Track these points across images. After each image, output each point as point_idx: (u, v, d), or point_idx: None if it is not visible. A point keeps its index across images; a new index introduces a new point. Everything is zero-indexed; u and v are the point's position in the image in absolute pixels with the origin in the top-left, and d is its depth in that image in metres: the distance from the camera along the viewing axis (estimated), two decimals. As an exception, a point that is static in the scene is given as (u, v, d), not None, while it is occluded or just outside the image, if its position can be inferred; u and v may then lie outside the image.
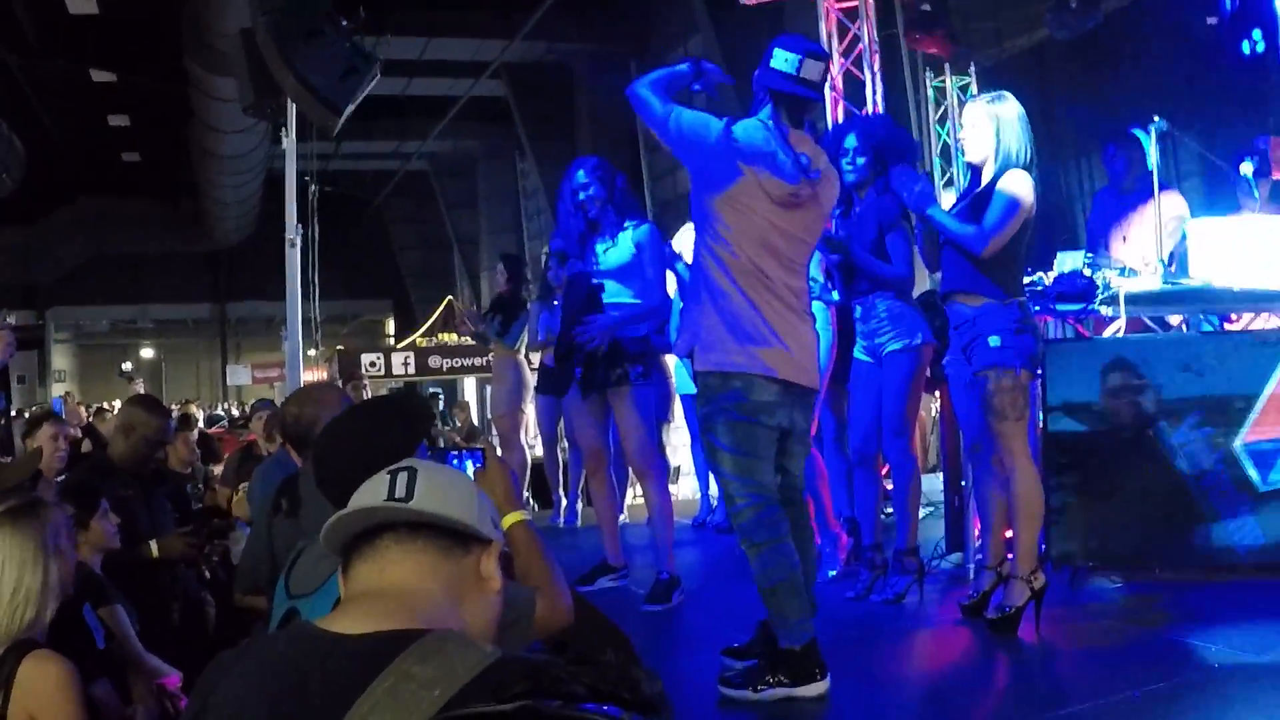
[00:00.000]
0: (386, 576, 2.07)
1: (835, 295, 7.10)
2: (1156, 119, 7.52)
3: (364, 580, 2.08)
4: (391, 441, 2.93)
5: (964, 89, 12.58)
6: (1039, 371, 6.34)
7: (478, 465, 3.35)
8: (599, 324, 6.83)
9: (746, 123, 5.01)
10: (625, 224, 7.00)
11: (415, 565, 2.08)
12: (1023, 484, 5.74)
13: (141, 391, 12.93)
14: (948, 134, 12.68)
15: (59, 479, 6.45)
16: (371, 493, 2.13)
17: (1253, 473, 6.56)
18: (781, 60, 5.03)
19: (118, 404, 17.74)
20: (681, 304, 6.08)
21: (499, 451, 10.94)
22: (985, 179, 5.94)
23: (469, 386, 29.19)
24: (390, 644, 1.86)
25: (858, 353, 6.81)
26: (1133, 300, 7.02)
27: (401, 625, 1.93)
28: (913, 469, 6.85)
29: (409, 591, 2.05)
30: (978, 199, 5.89)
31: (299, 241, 12.93)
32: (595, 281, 6.95)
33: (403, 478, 2.13)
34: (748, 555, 4.96)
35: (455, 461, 3.34)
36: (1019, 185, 5.79)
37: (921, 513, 9.31)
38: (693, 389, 8.89)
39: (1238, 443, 6.56)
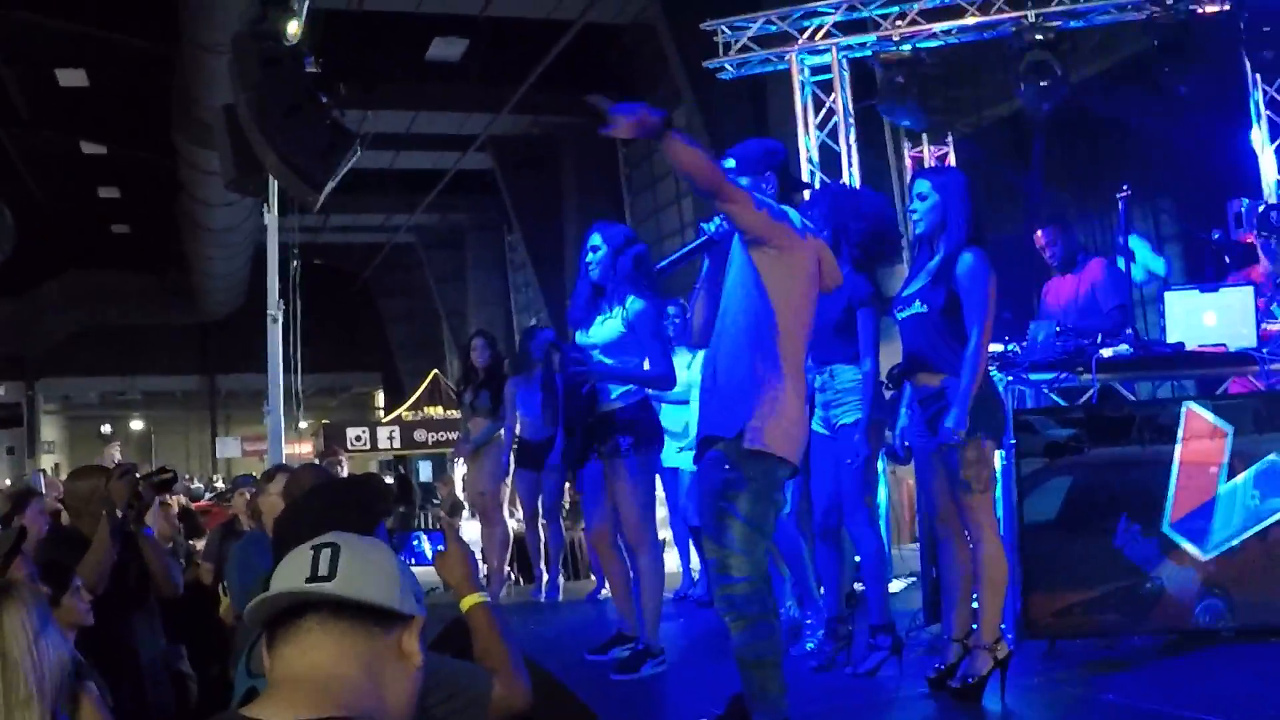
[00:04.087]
0: (309, 659, 2.07)
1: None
2: (1124, 188, 7.63)
3: (287, 663, 2.09)
4: (349, 524, 2.94)
5: (942, 159, 12.69)
6: (1011, 442, 6.38)
7: (438, 547, 3.37)
8: (595, 366, 6.83)
9: (788, 209, 5.17)
10: (626, 297, 7.00)
11: (337, 647, 2.08)
12: (988, 554, 5.75)
13: (118, 456, 12.88)
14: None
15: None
16: (295, 569, 2.14)
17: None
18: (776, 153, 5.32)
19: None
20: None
21: (479, 527, 10.96)
22: (936, 251, 5.99)
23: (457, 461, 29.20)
24: None
25: (815, 424, 6.76)
26: (1105, 367, 7.08)
27: (324, 713, 1.96)
28: (877, 543, 6.85)
29: (331, 676, 2.06)
30: (939, 274, 5.92)
31: (281, 317, 12.97)
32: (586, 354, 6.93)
33: (325, 555, 2.13)
34: (732, 628, 4.91)
35: (416, 544, 3.37)
36: (982, 269, 5.83)
37: (902, 584, 9.37)
38: (675, 462, 8.96)
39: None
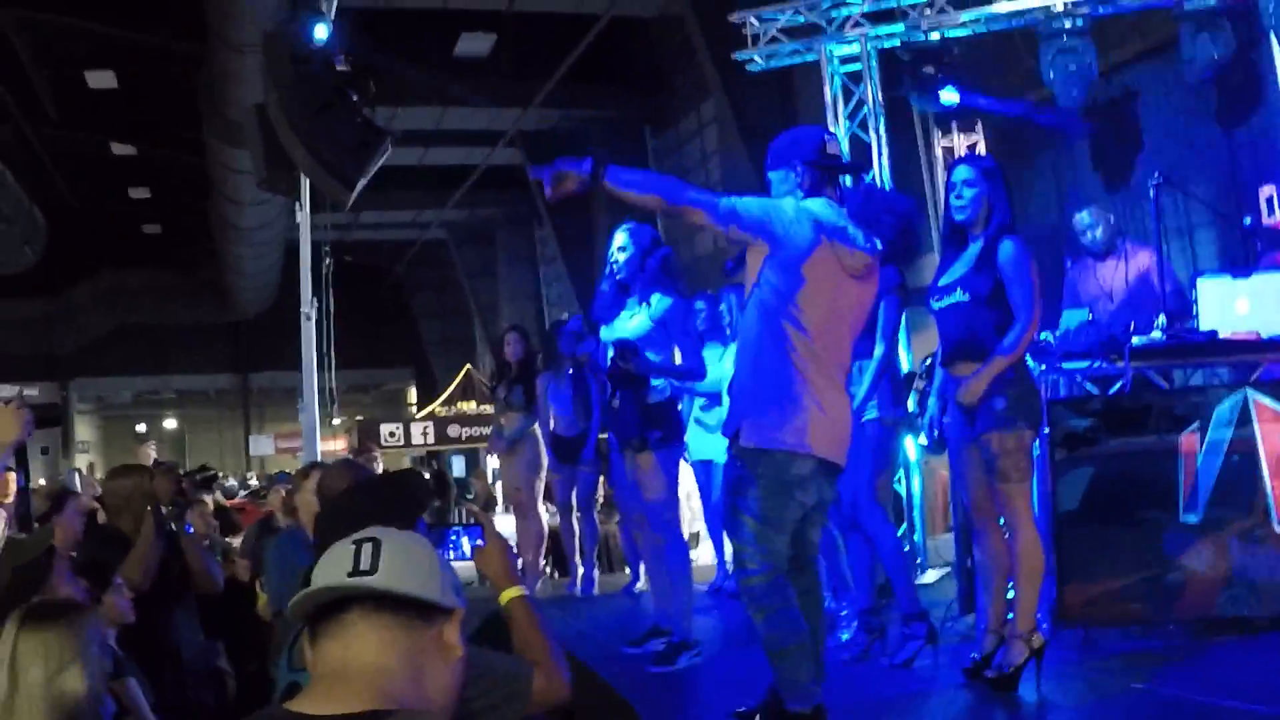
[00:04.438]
0: (352, 653, 2.10)
1: None
2: (1156, 175, 7.61)
3: (331, 658, 2.11)
4: (386, 519, 2.96)
5: (972, 147, 12.64)
6: (1044, 431, 6.38)
7: (476, 541, 3.39)
8: (643, 361, 6.88)
9: (814, 200, 5.09)
10: (652, 295, 7.03)
11: (380, 640, 2.11)
12: (1024, 544, 5.75)
13: (154, 455, 12.95)
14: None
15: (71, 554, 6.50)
16: (336, 564, 2.17)
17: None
18: (833, 144, 5.26)
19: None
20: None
21: (514, 523, 10.98)
22: (972, 240, 5.99)
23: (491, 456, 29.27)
24: None
25: None
26: (1138, 355, 7.06)
27: (368, 706, 1.99)
28: (893, 537, 6.89)
29: (374, 669, 2.08)
30: (981, 262, 5.91)
31: (315, 314, 13.01)
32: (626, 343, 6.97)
33: (367, 549, 2.15)
34: (755, 619, 4.96)
35: (455, 539, 3.38)
36: (1026, 256, 5.84)
37: (936, 574, 9.38)
38: (708, 455, 8.98)
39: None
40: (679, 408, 7.56)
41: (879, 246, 5.18)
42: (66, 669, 3.55)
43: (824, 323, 4.97)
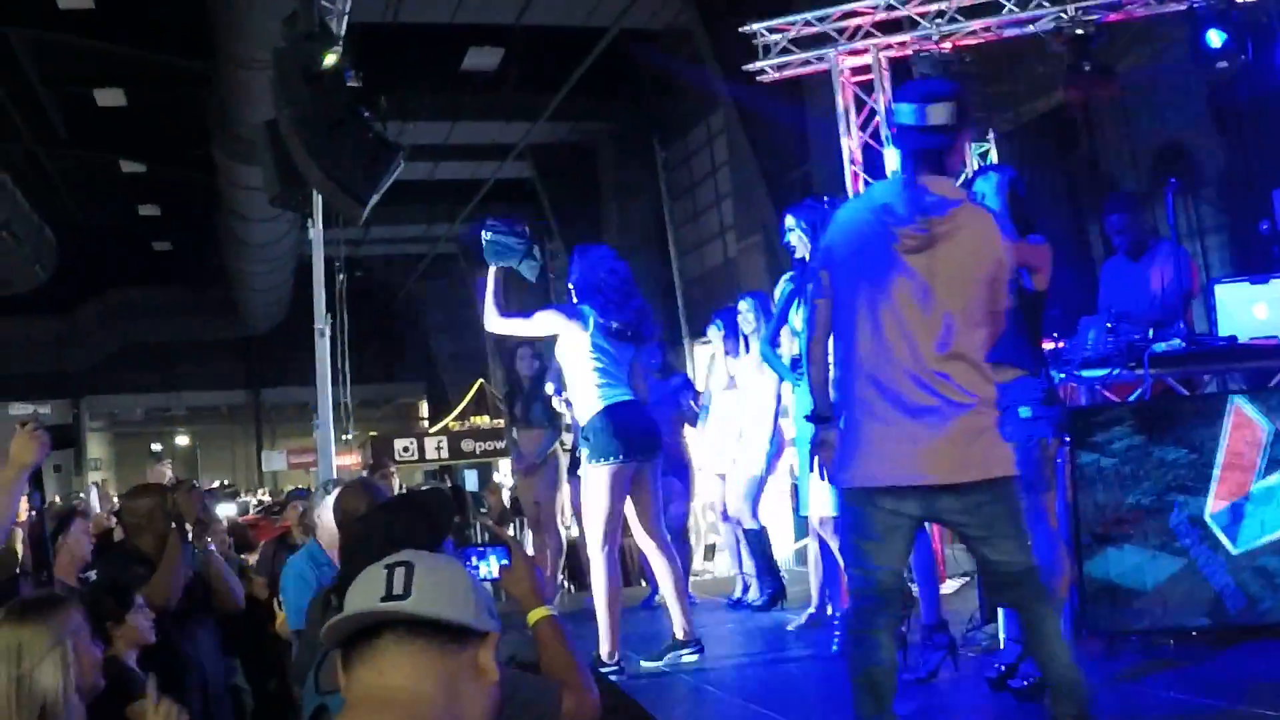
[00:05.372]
0: (386, 679, 2.08)
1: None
2: (1171, 180, 7.59)
3: (365, 683, 2.10)
4: (415, 541, 2.94)
5: (983, 155, 12.63)
6: (1066, 439, 6.35)
7: (503, 561, 3.37)
8: None
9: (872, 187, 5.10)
10: None
11: (414, 666, 2.09)
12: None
13: (168, 474, 12.94)
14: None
15: (88, 573, 6.50)
16: (369, 588, 2.14)
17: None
18: (906, 114, 4.96)
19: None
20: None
21: (531, 539, 10.97)
22: None
23: (504, 468, 29.30)
24: None
25: None
26: (1157, 362, 7.03)
27: None
28: (927, 541, 6.86)
29: (409, 694, 2.07)
30: None
31: (328, 331, 13.01)
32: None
33: (400, 574, 2.13)
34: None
35: (477, 558, 3.35)
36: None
37: (956, 584, 9.35)
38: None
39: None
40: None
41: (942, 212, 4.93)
42: (40, 664, 3.56)
43: (887, 309, 4.71)
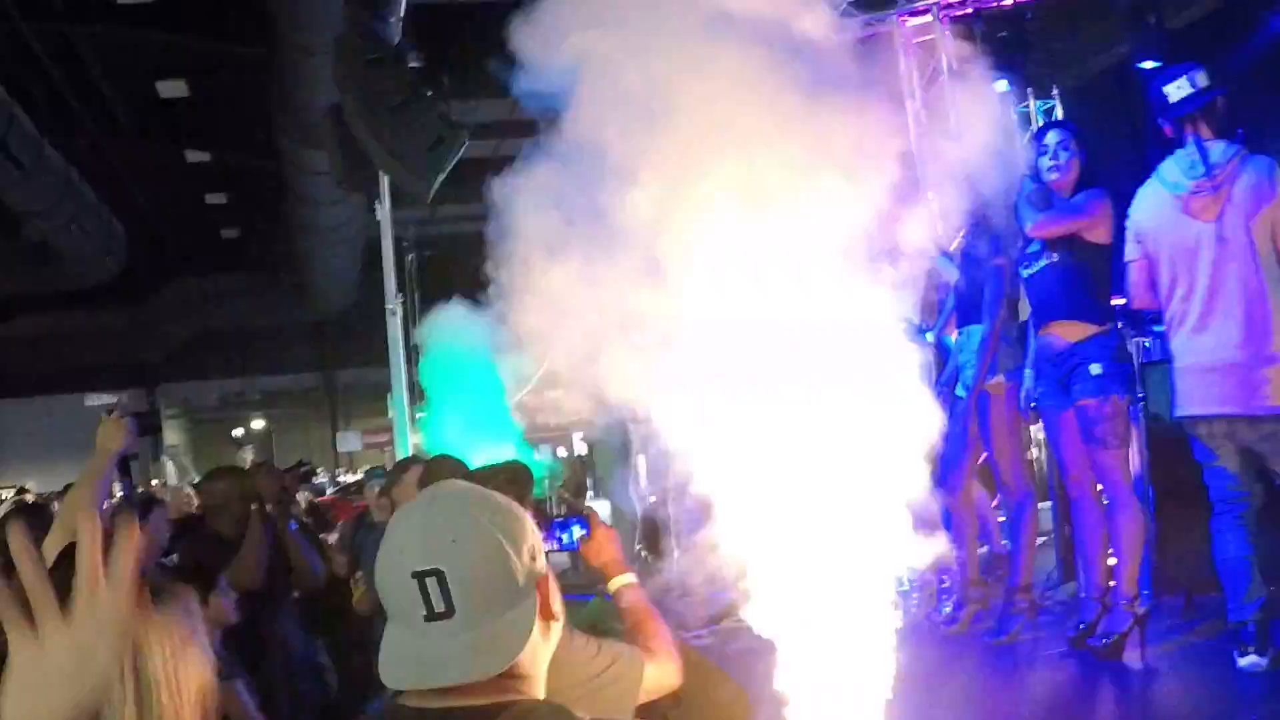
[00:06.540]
0: None
1: (929, 337, 7.11)
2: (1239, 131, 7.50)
3: None
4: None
5: (1049, 112, 12.51)
6: (1139, 395, 6.33)
7: (584, 531, 3.39)
8: None
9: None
10: None
11: None
12: (1124, 512, 5.71)
13: (250, 459, 13.10)
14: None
15: (168, 558, 6.59)
16: (409, 608, 2.05)
17: None
18: (1174, 90, 5.24)
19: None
20: None
21: (607, 505, 11.00)
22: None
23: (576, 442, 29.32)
24: (480, 717, 1.92)
25: (957, 389, 6.79)
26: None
27: (488, 696, 1.98)
28: (1030, 502, 6.83)
29: None
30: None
31: (400, 310, 13.07)
32: None
33: (434, 588, 2.02)
34: None
35: (560, 531, 3.38)
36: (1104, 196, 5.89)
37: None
38: None
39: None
40: None
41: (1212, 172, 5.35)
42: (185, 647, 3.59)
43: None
